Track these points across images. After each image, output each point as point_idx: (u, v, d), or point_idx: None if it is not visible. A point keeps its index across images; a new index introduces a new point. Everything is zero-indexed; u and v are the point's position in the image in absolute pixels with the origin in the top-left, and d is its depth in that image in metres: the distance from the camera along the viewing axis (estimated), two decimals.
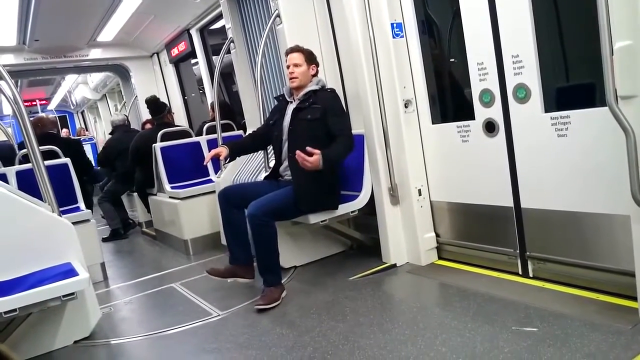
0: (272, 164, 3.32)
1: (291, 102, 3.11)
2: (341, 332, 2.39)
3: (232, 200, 3.07)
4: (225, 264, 3.17)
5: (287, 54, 3.08)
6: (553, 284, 2.58)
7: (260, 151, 3.51)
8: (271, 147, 3.33)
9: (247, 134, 3.44)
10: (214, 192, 4.14)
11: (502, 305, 2.42)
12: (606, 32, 1.86)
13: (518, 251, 2.75)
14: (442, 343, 2.14)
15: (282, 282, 2.98)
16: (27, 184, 3.61)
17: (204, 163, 3.12)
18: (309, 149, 2.71)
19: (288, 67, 3.02)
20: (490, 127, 2.75)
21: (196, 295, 3.23)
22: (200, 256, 4.26)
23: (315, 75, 3.09)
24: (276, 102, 3.33)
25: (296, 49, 3.04)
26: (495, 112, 2.71)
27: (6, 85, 2.83)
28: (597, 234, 2.39)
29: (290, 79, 3.02)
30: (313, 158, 2.68)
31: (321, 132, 2.94)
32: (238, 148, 3.23)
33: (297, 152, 2.69)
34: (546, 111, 2.47)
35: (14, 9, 4.75)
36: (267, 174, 3.29)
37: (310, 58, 3.05)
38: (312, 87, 3.03)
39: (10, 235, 2.58)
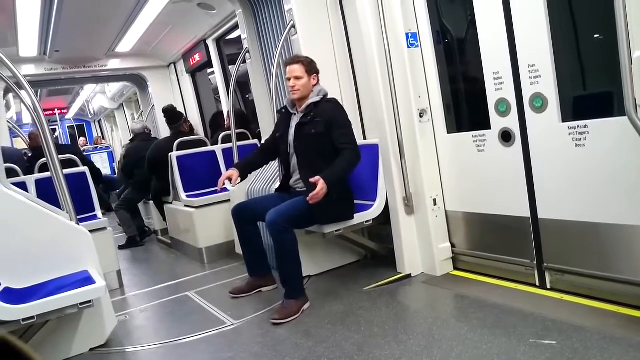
0: None
1: (294, 114, 3.11)
2: (356, 342, 2.37)
3: (245, 216, 3.14)
4: (241, 273, 3.19)
5: (286, 65, 3.05)
6: (571, 296, 2.54)
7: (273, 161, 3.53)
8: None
9: (257, 147, 3.47)
10: (229, 201, 4.17)
11: (520, 318, 2.38)
12: (625, 41, 1.83)
13: (535, 262, 2.71)
14: (458, 355, 2.11)
15: None
16: (46, 192, 3.67)
17: (218, 189, 3.16)
18: (311, 180, 2.71)
19: (288, 79, 3.00)
20: (506, 137, 2.73)
21: (211, 304, 3.24)
22: (214, 265, 4.27)
23: (317, 84, 3.05)
24: (279, 115, 3.32)
25: (296, 61, 3.01)
26: (511, 122, 2.69)
27: (27, 95, 2.89)
28: (617, 245, 2.34)
29: (292, 91, 3.01)
30: (318, 188, 2.68)
31: (328, 146, 2.93)
32: (248, 167, 3.26)
33: (309, 197, 2.70)
34: (563, 120, 2.45)
35: (35, 21, 4.86)
36: (278, 186, 3.30)
37: (311, 68, 3.00)
38: (313, 99, 2.99)
39: (29, 243, 2.63)
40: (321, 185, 2.68)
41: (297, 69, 2.97)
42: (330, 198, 2.78)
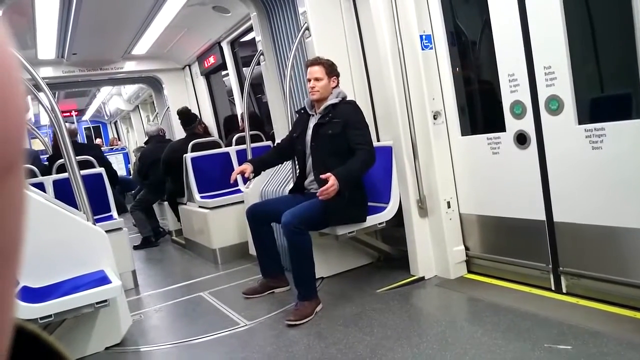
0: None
1: (312, 115, 3.13)
2: (368, 345, 2.37)
3: (259, 217, 3.16)
4: (254, 274, 3.21)
5: (307, 66, 3.09)
6: (588, 300, 2.51)
7: (287, 162, 3.55)
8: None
9: (272, 146, 3.50)
10: (242, 202, 4.19)
11: (535, 322, 2.36)
12: None
13: (551, 266, 2.69)
14: (472, 359, 2.10)
15: None
16: (64, 192, 3.72)
17: (231, 181, 3.18)
18: (322, 176, 2.72)
19: (309, 80, 3.03)
20: (521, 139, 2.71)
21: (224, 305, 3.26)
22: (228, 265, 4.30)
23: (336, 86, 3.08)
24: (297, 115, 3.34)
25: (317, 62, 3.04)
26: (526, 124, 2.66)
27: (45, 97, 2.95)
28: (634, 250, 2.31)
29: (311, 92, 3.03)
30: (329, 184, 2.67)
31: (343, 147, 2.94)
32: (262, 163, 3.29)
33: (318, 192, 2.70)
34: (580, 123, 2.42)
35: (53, 24, 4.94)
36: (292, 187, 3.32)
37: (331, 70, 3.04)
38: (332, 100, 3.02)
39: (47, 243, 2.67)
40: (332, 181, 2.67)
41: (317, 71, 3.00)
42: (343, 197, 2.78)
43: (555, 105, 2.49)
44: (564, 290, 2.64)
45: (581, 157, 2.42)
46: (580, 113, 2.42)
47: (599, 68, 2.50)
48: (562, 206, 2.58)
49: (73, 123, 12.44)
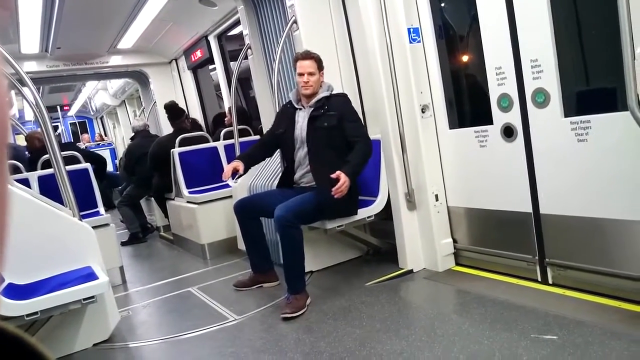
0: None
1: (300, 108, 3.11)
2: (357, 337, 2.38)
3: (248, 211, 3.15)
4: (243, 269, 3.20)
5: (297, 59, 3.02)
6: (574, 291, 2.54)
7: (275, 157, 3.53)
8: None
9: (255, 143, 3.49)
10: (231, 197, 4.17)
11: (521, 313, 2.38)
12: (628, 37, 1.83)
13: (537, 258, 2.71)
14: (460, 350, 2.12)
15: None
16: (49, 188, 3.68)
17: (224, 179, 3.16)
18: (333, 176, 2.71)
19: (302, 75, 2.98)
20: (508, 132, 2.73)
21: (213, 300, 3.25)
22: (216, 260, 4.28)
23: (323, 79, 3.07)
24: (283, 109, 3.30)
25: (308, 56, 2.99)
26: (513, 117, 2.68)
27: (29, 92, 2.90)
28: (620, 241, 2.34)
29: (304, 87, 3.00)
30: (342, 181, 2.68)
31: (339, 139, 2.94)
32: (250, 160, 3.27)
33: (333, 191, 2.69)
34: (566, 116, 2.44)
35: (37, 17, 4.86)
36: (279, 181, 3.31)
37: (320, 65, 3.03)
38: (323, 93, 3.02)
39: (32, 239, 2.64)
40: (343, 179, 2.69)
41: (309, 65, 2.98)
42: (350, 192, 2.79)
43: (542, 98, 2.51)
44: (550, 282, 2.68)
45: (567, 150, 2.45)
46: (566, 106, 2.45)
47: (584, 61, 2.52)
48: (548, 198, 2.61)
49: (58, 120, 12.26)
